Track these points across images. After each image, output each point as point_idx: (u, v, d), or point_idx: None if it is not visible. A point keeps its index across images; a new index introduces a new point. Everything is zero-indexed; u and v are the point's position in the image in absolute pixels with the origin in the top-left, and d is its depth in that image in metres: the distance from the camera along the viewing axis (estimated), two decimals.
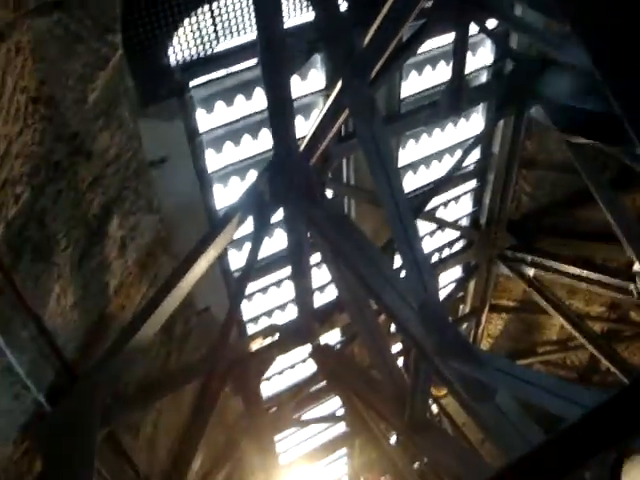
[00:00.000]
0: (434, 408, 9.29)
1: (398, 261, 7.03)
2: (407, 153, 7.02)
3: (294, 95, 4.30)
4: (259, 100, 5.32)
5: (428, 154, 7.21)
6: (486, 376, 3.06)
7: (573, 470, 1.88)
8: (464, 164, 7.25)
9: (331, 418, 10.06)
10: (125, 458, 5.11)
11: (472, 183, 8.05)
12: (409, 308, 3.57)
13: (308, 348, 6.36)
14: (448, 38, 5.98)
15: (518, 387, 2.99)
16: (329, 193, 6.19)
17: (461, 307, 9.74)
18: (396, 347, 8.32)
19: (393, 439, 8.28)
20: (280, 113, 4.21)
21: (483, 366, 3.08)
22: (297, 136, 4.46)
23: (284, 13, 3.95)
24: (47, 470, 3.80)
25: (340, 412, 9.99)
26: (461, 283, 9.08)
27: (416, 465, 8.12)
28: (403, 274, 4.27)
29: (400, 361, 7.99)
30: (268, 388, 8.38)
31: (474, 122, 7.31)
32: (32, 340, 3.66)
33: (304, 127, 5.48)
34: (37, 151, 3.41)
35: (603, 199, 6.29)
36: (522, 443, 3.39)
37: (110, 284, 4.47)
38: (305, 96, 5.62)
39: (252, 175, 5.71)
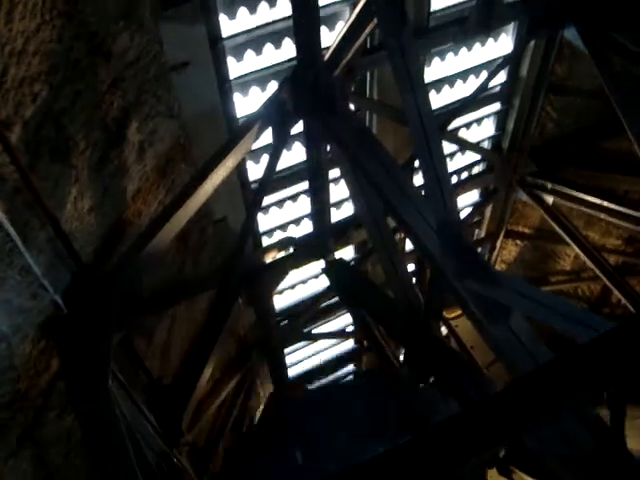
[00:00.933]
0: (443, 330, 9.39)
1: (417, 182, 6.96)
2: (432, 71, 6.84)
3: (320, 3, 4.15)
4: (283, 7, 5.16)
5: (453, 73, 7.02)
6: (502, 297, 3.05)
7: (581, 392, 1.88)
8: (489, 86, 7.06)
9: (341, 334, 10.20)
10: (138, 363, 5.22)
11: (496, 106, 7.87)
12: (428, 226, 3.53)
13: (322, 264, 6.37)
14: None
15: (533, 309, 2.98)
16: (351, 107, 6.06)
17: (476, 232, 9.70)
18: (410, 267, 8.33)
19: (402, 357, 8.39)
20: (305, 21, 4.08)
21: (499, 287, 3.06)
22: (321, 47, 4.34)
23: None
24: (64, 370, 3.87)
25: (350, 329, 10.12)
26: (478, 207, 9.01)
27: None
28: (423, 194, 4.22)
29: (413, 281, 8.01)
30: (280, 302, 8.48)
31: (503, 43, 7.08)
32: (49, 242, 3.66)
33: (328, 38, 5.32)
34: (55, 49, 3.32)
35: (632, 129, 6.12)
36: (533, 365, 3.40)
37: (128, 189, 4.44)
38: (331, 5, 5.43)
39: (273, 86, 5.59)
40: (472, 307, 3.26)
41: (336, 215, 7.42)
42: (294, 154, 6.41)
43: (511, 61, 7.09)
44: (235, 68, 5.38)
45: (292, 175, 6.56)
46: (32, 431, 3.77)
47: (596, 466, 2.58)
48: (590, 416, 2.81)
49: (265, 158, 5.98)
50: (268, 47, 5.43)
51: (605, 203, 7.66)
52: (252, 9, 5.13)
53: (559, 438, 2.83)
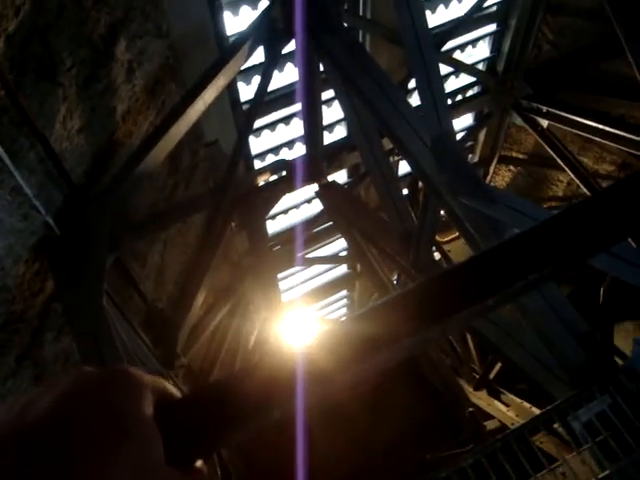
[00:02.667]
0: (437, 255, 9.42)
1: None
2: None
3: None
4: None
5: None
6: (497, 213, 3.04)
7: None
8: (485, 5, 6.89)
9: (334, 258, 10.24)
10: (133, 286, 5.23)
11: (492, 27, 7.70)
12: (423, 144, 3.49)
13: (314, 187, 6.33)
14: None
15: (528, 225, 2.97)
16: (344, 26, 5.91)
17: (470, 156, 9.63)
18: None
19: (394, 279, 8.45)
20: None
21: (495, 203, 3.05)
22: None
23: None
24: (59, 291, 3.88)
25: (343, 254, 10.16)
26: (472, 131, 8.91)
27: None
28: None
29: None
30: (273, 226, 8.46)
31: None
32: (39, 162, 3.61)
33: None
34: None
35: (632, 50, 5.99)
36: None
37: (117, 109, 4.36)
38: None
39: (264, 4, 5.43)
40: (467, 225, 3.25)
41: (329, 138, 7.33)
42: (286, 75, 6.28)
43: None
44: None
45: (284, 97, 6.44)
46: (30, 352, 3.80)
47: (586, 375, 2.63)
48: (582, 329, 2.84)
49: (256, 79, 5.86)
50: None
51: (600, 126, 7.57)
52: None
53: (549, 350, 2.87)
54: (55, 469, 0.56)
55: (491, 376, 9.29)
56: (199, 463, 0.70)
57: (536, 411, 4.19)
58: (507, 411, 9.01)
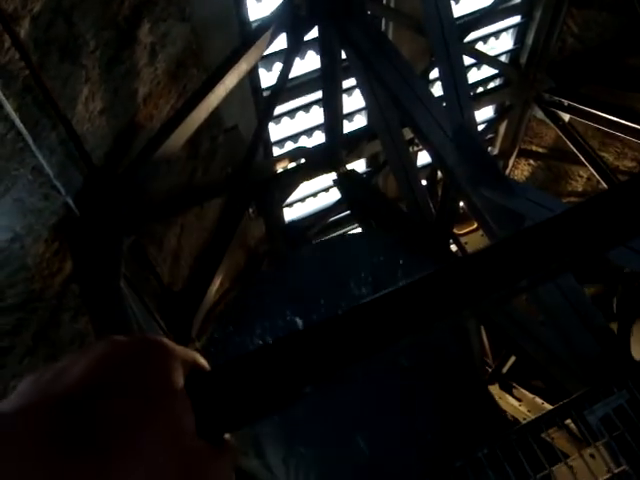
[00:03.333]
0: (453, 247, 9.39)
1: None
2: None
3: None
4: None
5: None
6: (517, 205, 3.02)
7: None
8: None
9: None
10: (150, 269, 5.25)
11: (516, 18, 7.63)
12: (444, 134, 3.47)
13: (333, 176, 6.31)
14: None
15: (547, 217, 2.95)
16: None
17: (490, 149, 9.57)
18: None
19: None
20: None
21: (515, 196, 3.03)
22: None
23: None
24: (77, 272, 3.91)
25: None
26: (492, 124, 8.84)
27: None
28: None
29: None
30: (290, 215, 8.46)
31: None
32: (61, 143, 3.63)
33: None
34: None
35: None
36: None
37: (139, 92, 4.37)
38: None
39: None
40: (486, 216, 3.23)
41: (348, 127, 7.32)
42: (307, 62, 6.27)
43: None
44: None
45: (305, 84, 6.43)
46: (47, 331, 3.84)
47: (600, 370, 2.61)
48: (598, 323, 2.82)
49: (278, 66, 5.85)
50: None
51: (622, 121, 7.49)
52: None
53: (565, 344, 2.86)
54: (88, 436, 0.57)
55: (504, 370, 9.28)
56: (228, 437, 0.70)
57: (548, 407, 4.19)
58: (519, 406, 9.01)
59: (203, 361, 0.72)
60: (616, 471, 2.17)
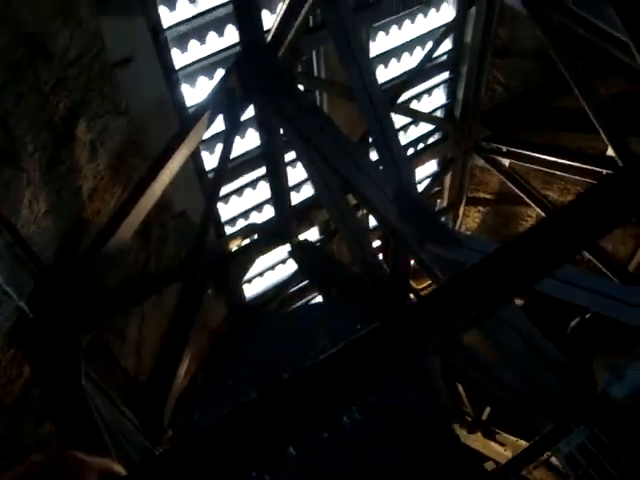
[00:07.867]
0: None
1: (373, 157, 6.98)
2: (377, 45, 6.85)
3: None
4: None
5: (399, 45, 7.05)
6: (462, 256, 3.09)
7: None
8: (436, 55, 7.12)
9: None
10: (114, 362, 5.18)
11: (445, 75, 7.92)
12: (385, 197, 3.56)
13: (287, 248, 6.38)
14: None
15: None
16: (300, 88, 6.05)
17: (438, 202, 9.76)
18: (376, 244, 8.34)
19: None
20: (245, 4, 4.07)
21: (460, 247, 3.10)
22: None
23: None
24: (36, 375, 3.84)
25: None
26: (437, 177, 9.06)
27: None
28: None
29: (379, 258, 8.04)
30: (250, 290, 8.45)
31: (444, 12, 7.13)
32: (8, 248, 3.61)
33: (271, 21, 5.29)
34: None
35: (577, 86, 6.20)
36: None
37: (83, 189, 4.40)
38: None
39: (220, 74, 5.55)
40: (435, 270, 3.30)
41: (297, 197, 7.41)
42: (248, 141, 6.38)
43: (454, 29, 7.16)
44: (180, 59, 5.33)
45: (248, 162, 6.52)
46: (10, 439, 3.74)
47: (565, 406, 2.64)
48: (559, 362, 2.87)
49: (220, 147, 5.95)
50: (211, 35, 5.38)
51: (558, 160, 7.75)
52: None
53: (530, 388, 2.89)
54: None
55: (484, 417, 9.25)
56: None
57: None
58: (504, 450, 8.95)
59: (118, 468, 0.75)
60: None
